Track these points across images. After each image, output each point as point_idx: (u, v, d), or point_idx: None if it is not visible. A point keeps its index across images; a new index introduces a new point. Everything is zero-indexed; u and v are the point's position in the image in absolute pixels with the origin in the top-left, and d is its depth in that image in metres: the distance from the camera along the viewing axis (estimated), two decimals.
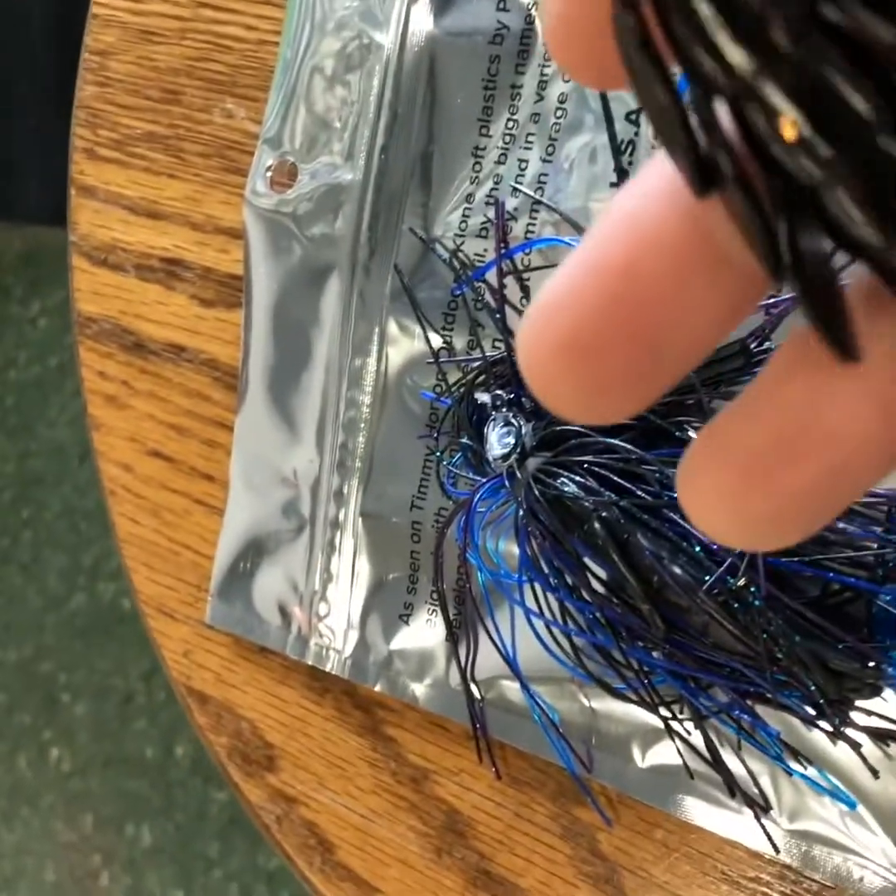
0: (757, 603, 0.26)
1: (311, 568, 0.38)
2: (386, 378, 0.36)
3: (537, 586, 0.31)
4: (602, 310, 0.16)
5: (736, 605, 0.27)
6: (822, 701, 0.27)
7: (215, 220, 0.40)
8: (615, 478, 0.30)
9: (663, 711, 0.30)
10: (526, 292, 0.33)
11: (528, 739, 0.35)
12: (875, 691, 0.27)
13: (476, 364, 0.34)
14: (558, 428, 0.31)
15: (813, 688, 0.26)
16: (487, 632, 0.34)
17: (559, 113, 0.32)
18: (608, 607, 0.29)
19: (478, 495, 0.32)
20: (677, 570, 0.28)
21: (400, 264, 0.35)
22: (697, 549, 0.28)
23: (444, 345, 0.35)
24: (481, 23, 0.33)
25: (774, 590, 0.26)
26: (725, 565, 0.27)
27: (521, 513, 0.31)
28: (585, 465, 0.30)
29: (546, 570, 0.31)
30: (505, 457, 0.32)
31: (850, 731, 0.28)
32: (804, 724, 0.29)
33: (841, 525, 0.27)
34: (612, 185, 0.31)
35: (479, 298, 0.34)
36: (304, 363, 0.37)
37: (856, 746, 0.28)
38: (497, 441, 0.32)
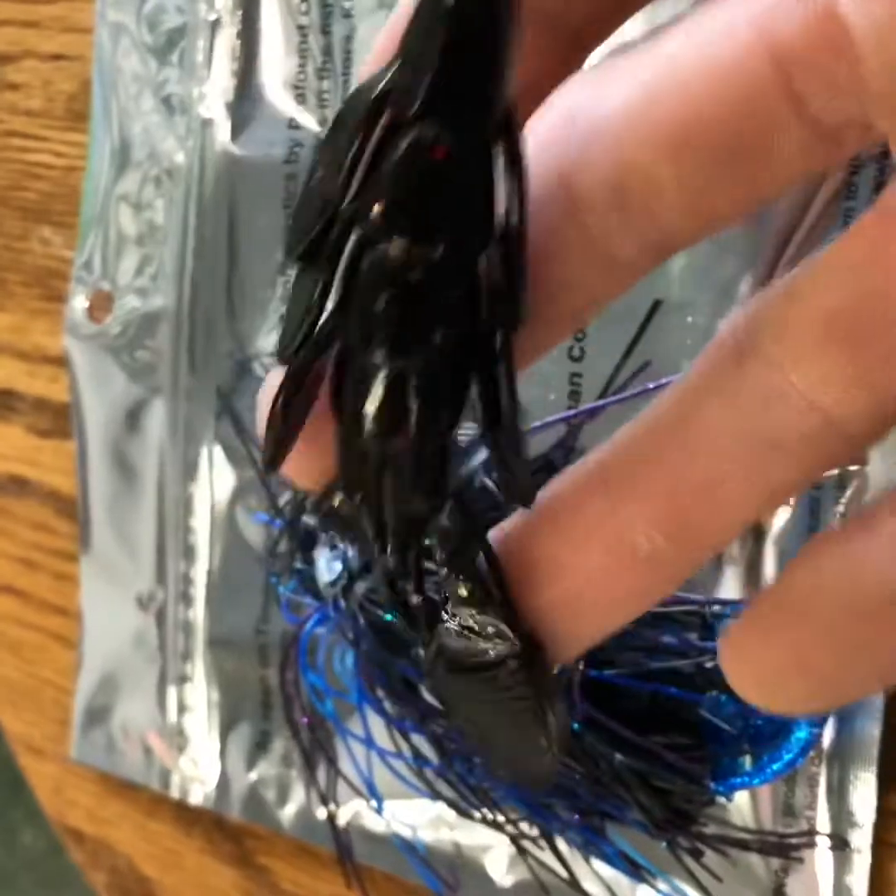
0: (575, 726, 0.26)
1: (167, 700, 0.37)
2: (217, 502, 0.35)
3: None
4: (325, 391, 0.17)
5: None
6: (652, 818, 0.26)
7: (43, 350, 0.39)
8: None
9: (509, 829, 0.30)
10: None
11: (394, 862, 0.34)
12: (708, 802, 0.27)
13: None
14: None
15: (641, 806, 0.26)
16: (332, 762, 0.33)
17: None
18: (441, 733, 0.29)
19: (307, 627, 0.31)
20: None
21: (222, 387, 0.35)
22: None
23: None
24: (275, 142, 0.33)
25: (593, 711, 0.26)
26: None
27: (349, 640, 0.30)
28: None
29: (379, 696, 0.30)
30: (333, 583, 0.31)
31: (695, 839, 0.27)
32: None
33: (659, 635, 0.27)
34: None
35: None
36: (139, 492, 0.37)
37: (697, 855, 0.27)
38: (326, 566, 0.31)
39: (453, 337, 0.15)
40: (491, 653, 0.17)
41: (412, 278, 0.15)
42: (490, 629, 0.17)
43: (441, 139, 0.14)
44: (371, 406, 0.15)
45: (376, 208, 0.14)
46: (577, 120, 0.15)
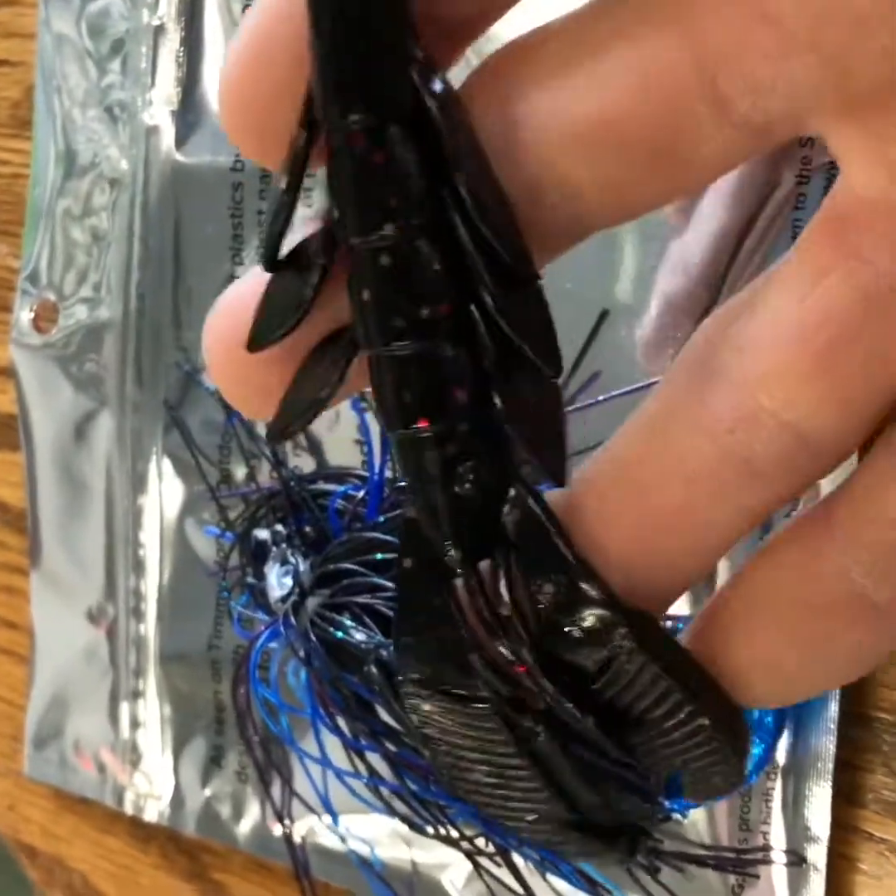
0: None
1: (119, 716, 0.36)
2: (167, 516, 0.35)
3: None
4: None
5: None
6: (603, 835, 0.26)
7: None
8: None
9: (465, 846, 0.29)
10: None
11: (351, 879, 0.33)
12: (663, 819, 0.26)
13: (254, 497, 0.32)
14: (332, 567, 0.30)
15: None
16: (290, 778, 0.32)
17: None
18: (392, 750, 0.28)
19: (258, 644, 0.30)
20: None
21: (170, 399, 0.34)
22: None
23: (222, 477, 0.34)
24: (221, 150, 0.32)
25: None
26: None
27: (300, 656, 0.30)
28: (361, 605, 0.29)
29: (330, 713, 0.29)
30: (284, 598, 0.30)
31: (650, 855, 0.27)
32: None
33: None
34: None
35: (250, 431, 0.33)
36: (88, 505, 0.36)
37: (653, 872, 0.27)
38: (277, 581, 0.31)
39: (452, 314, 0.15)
40: (605, 640, 0.16)
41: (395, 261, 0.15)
42: (591, 619, 0.16)
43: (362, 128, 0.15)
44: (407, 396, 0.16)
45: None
46: (502, 119, 0.15)
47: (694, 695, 0.16)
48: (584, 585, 0.16)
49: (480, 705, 0.17)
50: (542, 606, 0.16)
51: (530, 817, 0.20)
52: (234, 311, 0.16)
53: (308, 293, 0.16)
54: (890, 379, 0.15)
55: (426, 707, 0.18)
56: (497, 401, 0.16)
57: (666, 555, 0.16)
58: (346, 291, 0.16)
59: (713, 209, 0.25)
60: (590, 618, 0.16)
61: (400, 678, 0.19)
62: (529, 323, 0.16)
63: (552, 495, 0.17)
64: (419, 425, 0.16)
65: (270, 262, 0.16)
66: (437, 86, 0.15)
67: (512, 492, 0.17)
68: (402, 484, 0.17)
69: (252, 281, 0.17)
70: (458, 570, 0.17)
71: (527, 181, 0.15)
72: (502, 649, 0.17)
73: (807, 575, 0.16)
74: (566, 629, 0.16)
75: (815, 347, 0.15)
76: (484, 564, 0.17)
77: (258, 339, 0.16)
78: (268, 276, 0.16)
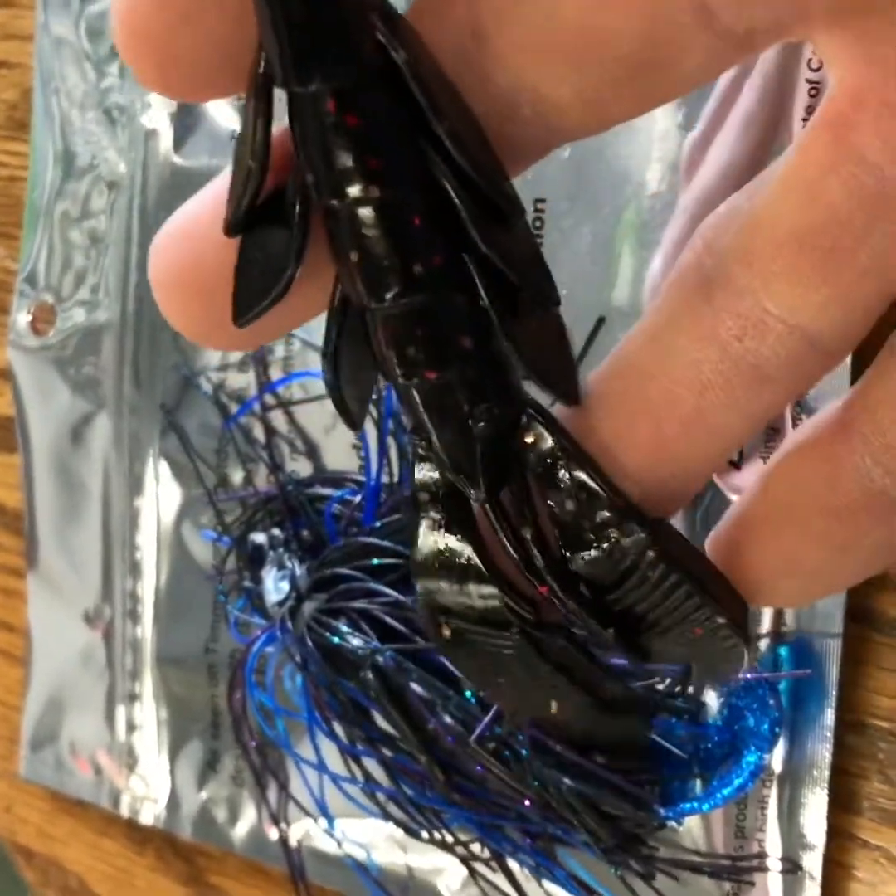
0: (524, 752, 0.25)
1: (115, 718, 0.36)
2: (163, 519, 0.35)
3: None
4: (221, 245, 0.15)
5: (506, 753, 0.26)
6: (600, 843, 0.26)
7: None
8: (390, 621, 0.29)
9: (460, 851, 0.29)
10: (293, 424, 0.32)
11: (347, 882, 0.33)
12: (658, 826, 0.26)
13: (251, 501, 0.32)
14: (329, 571, 0.30)
15: (589, 831, 0.26)
16: (286, 782, 0.32)
17: None
18: (389, 755, 0.28)
19: (254, 647, 0.30)
20: (448, 719, 0.27)
21: (167, 402, 0.34)
22: (468, 695, 0.27)
23: (219, 481, 0.34)
24: (219, 152, 0.32)
25: (540, 735, 0.25)
26: (492, 713, 0.26)
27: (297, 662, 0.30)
28: (357, 610, 0.29)
29: (326, 717, 0.29)
30: (281, 603, 0.30)
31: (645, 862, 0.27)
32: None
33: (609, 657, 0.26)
34: None
35: (247, 435, 0.33)
36: (85, 507, 0.36)
37: (648, 879, 0.27)
38: (273, 586, 0.31)
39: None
40: (627, 551, 0.17)
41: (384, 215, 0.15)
42: (613, 533, 0.17)
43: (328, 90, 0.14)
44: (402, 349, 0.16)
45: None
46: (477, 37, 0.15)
47: (713, 597, 0.17)
48: (603, 500, 0.16)
49: (507, 633, 0.18)
50: (564, 525, 0.17)
51: (553, 708, 0.20)
52: (182, 234, 0.16)
53: (291, 257, 0.15)
54: (892, 275, 0.15)
55: (448, 633, 0.18)
56: (501, 340, 0.16)
57: (678, 464, 0.17)
58: (322, 243, 0.15)
59: (723, 145, 0.25)
60: (612, 531, 0.16)
61: (421, 611, 0.18)
62: (522, 258, 0.16)
63: (564, 417, 0.17)
64: (427, 376, 0.16)
65: (238, 227, 0.15)
66: (401, 33, 0.14)
67: (524, 419, 0.17)
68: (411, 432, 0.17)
69: (202, 204, 0.16)
70: (481, 503, 0.17)
71: (498, 97, 0.15)
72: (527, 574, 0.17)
73: (827, 479, 0.16)
74: (588, 545, 0.17)
75: (819, 252, 0.15)
76: (504, 494, 0.17)
77: (243, 310, 0.16)
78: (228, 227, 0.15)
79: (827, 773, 0.26)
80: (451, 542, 0.17)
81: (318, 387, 0.32)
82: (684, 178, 0.26)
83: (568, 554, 0.17)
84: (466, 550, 0.17)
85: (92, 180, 0.34)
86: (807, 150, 0.15)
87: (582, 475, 0.16)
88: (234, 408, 0.33)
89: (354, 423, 0.17)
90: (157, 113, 0.33)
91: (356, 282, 0.15)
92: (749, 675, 0.26)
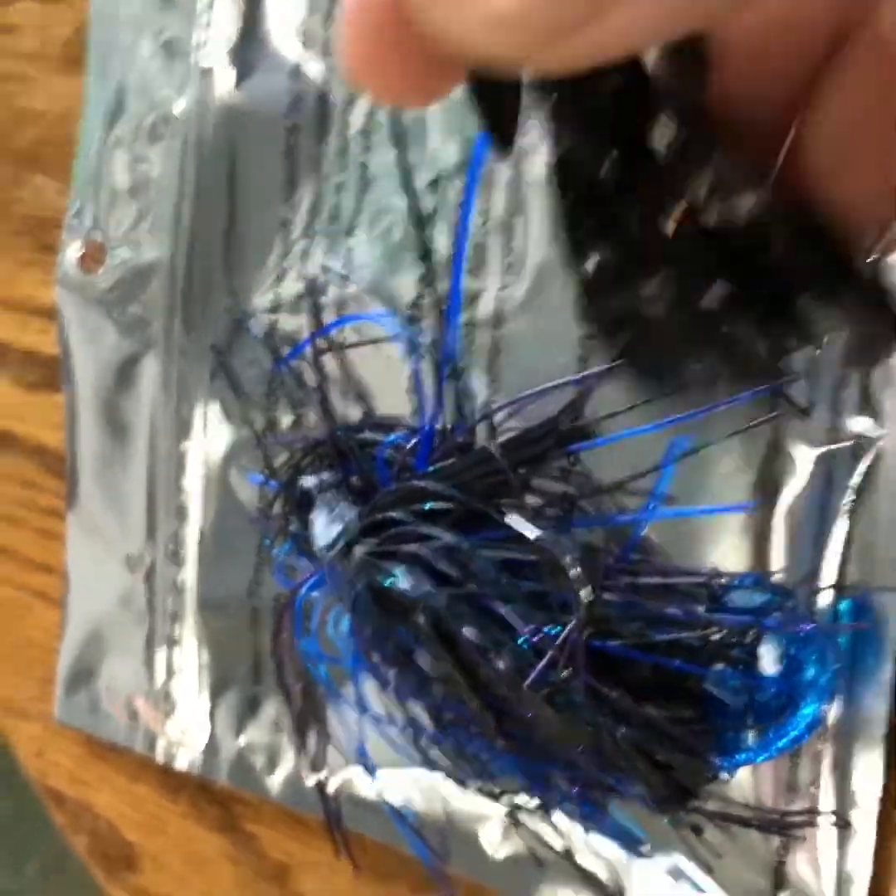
0: (578, 698, 0.25)
1: (154, 662, 0.36)
2: (211, 462, 0.34)
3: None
4: None
5: (560, 699, 0.26)
6: (654, 793, 0.25)
7: (33, 301, 0.38)
8: (442, 566, 0.28)
9: (505, 800, 0.29)
10: (344, 368, 0.32)
11: (384, 831, 0.33)
12: (711, 778, 0.26)
13: (300, 445, 0.32)
14: (380, 515, 0.29)
15: (642, 780, 0.25)
16: (327, 728, 0.32)
17: (362, 184, 0.31)
18: (438, 701, 0.28)
19: (302, 591, 0.30)
20: (501, 665, 0.27)
21: (217, 344, 0.34)
22: (521, 641, 0.27)
23: (268, 424, 0.33)
24: (277, 92, 0.32)
25: (594, 682, 0.25)
26: (547, 659, 0.26)
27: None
28: (410, 554, 0.29)
29: (375, 663, 0.29)
30: (330, 546, 0.30)
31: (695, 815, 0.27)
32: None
33: (664, 607, 0.26)
34: (421, 258, 0.30)
35: (299, 378, 0.32)
36: (130, 449, 0.36)
37: (698, 831, 0.27)
38: (323, 530, 0.31)
39: None
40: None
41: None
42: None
43: None
44: None
45: None
46: None
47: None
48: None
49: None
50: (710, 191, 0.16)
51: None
52: None
53: None
54: None
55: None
56: None
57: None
58: None
59: None
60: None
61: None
62: None
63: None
64: None
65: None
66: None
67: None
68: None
69: None
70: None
71: None
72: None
73: (881, 94, 0.15)
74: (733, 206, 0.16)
75: None
76: None
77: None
78: None
79: (883, 730, 0.26)
80: None
81: (372, 331, 0.31)
82: None
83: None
84: None
85: (145, 118, 0.34)
86: None
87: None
88: (285, 351, 0.32)
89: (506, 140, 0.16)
90: (216, 49, 0.32)
91: None
92: (808, 626, 0.25)
